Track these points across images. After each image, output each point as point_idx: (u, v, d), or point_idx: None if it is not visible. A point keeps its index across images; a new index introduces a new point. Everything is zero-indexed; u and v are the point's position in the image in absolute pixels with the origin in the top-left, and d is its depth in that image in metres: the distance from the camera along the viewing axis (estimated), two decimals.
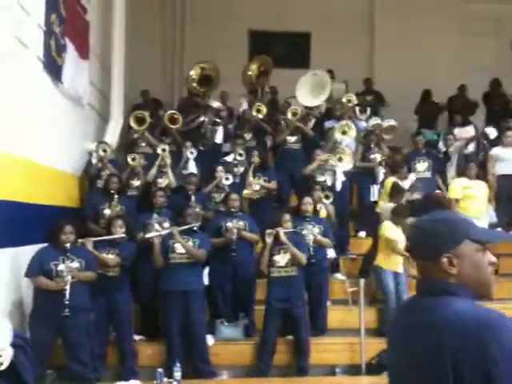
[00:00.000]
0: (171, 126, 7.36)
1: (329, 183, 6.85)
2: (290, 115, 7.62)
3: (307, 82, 8.16)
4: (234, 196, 5.92)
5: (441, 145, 8.48)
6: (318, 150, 7.15)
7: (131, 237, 5.41)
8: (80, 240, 5.07)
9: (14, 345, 2.16)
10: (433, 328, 1.41)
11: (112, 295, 5.15)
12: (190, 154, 7.13)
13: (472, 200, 6.64)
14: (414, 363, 1.46)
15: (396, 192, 6.22)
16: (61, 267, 4.65)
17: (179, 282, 5.14)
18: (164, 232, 5.19)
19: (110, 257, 5.17)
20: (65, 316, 4.52)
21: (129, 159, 6.70)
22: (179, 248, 5.23)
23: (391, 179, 6.55)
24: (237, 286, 5.71)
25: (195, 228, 5.45)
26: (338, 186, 6.90)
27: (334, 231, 6.20)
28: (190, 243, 5.30)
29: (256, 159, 6.86)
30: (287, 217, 5.44)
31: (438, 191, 7.04)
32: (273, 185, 6.90)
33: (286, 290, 5.27)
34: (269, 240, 5.28)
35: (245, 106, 8.41)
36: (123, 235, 5.26)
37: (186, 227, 5.31)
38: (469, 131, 8.68)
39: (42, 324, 4.62)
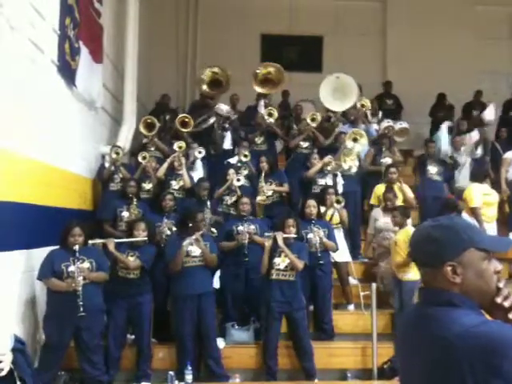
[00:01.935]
0: (182, 130, 7.32)
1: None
2: (309, 120, 7.55)
3: (329, 84, 8.11)
4: (245, 200, 5.91)
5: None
6: (315, 154, 7.15)
7: (151, 240, 5.43)
8: (101, 240, 5.12)
9: (13, 349, 2.18)
10: (443, 343, 1.35)
11: (133, 297, 5.15)
12: (198, 153, 7.07)
13: (489, 207, 6.56)
14: (423, 375, 1.42)
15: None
16: (71, 268, 4.67)
17: (194, 285, 5.14)
18: (193, 238, 5.18)
19: (131, 259, 5.19)
20: (80, 317, 4.53)
21: (139, 158, 6.72)
22: (193, 251, 5.23)
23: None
24: (248, 289, 5.70)
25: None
26: (340, 189, 6.87)
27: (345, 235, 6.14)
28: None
29: (265, 165, 6.83)
30: (290, 221, 5.33)
31: (450, 195, 6.97)
32: (285, 187, 6.89)
33: (285, 293, 5.21)
34: (267, 244, 5.25)
35: (261, 109, 8.20)
36: (145, 238, 5.27)
37: (201, 232, 5.29)
38: (473, 136, 8.59)
39: (58, 325, 4.65)
